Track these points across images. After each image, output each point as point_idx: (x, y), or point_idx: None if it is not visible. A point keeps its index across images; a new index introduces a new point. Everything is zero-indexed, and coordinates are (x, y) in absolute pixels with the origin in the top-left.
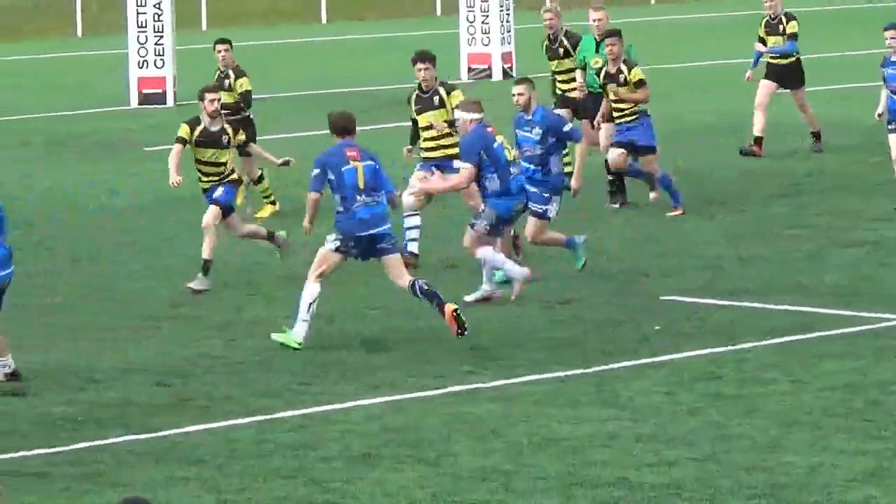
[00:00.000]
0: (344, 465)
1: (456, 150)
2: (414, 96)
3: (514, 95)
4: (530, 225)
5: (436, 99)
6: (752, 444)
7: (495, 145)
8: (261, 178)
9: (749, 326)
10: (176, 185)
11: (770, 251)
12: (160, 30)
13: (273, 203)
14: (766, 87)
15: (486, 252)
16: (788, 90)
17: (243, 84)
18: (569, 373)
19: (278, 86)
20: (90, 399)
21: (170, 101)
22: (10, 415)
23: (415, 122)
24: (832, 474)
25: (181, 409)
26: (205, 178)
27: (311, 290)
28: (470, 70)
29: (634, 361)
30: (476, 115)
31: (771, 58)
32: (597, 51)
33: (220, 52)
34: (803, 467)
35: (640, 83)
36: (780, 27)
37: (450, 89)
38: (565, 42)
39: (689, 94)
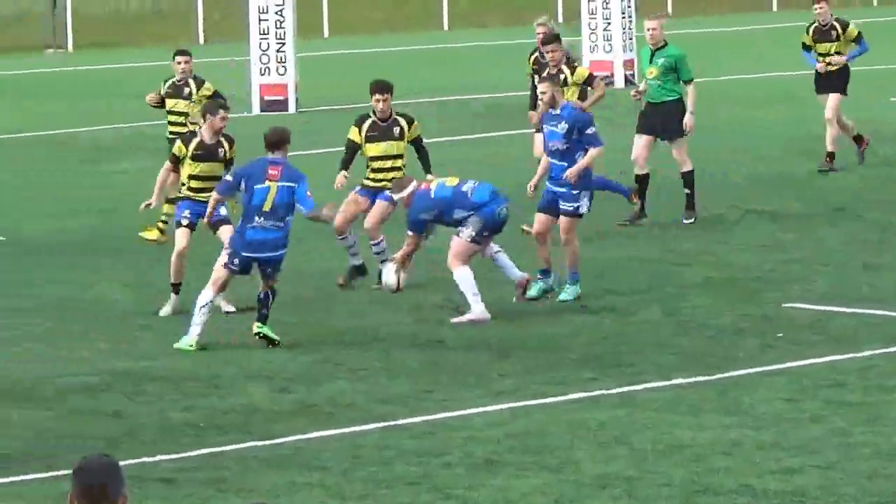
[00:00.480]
0: (466, 471)
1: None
2: (368, 124)
3: (540, 94)
4: (564, 224)
5: (395, 130)
6: (875, 452)
7: (437, 195)
8: (171, 200)
9: (873, 334)
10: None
11: (894, 258)
12: (282, 37)
13: (163, 232)
14: (826, 99)
15: (461, 275)
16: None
17: (208, 88)
18: (691, 380)
19: (399, 93)
20: (213, 405)
21: (291, 108)
22: (133, 421)
23: (354, 147)
24: None
25: (305, 415)
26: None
27: (205, 295)
28: (591, 77)
29: (757, 369)
30: (408, 190)
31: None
32: (651, 61)
33: (179, 62)
34: None
35: (590, 78)
36: (834, 33)
37: (410, 121)
38: (565, 69)
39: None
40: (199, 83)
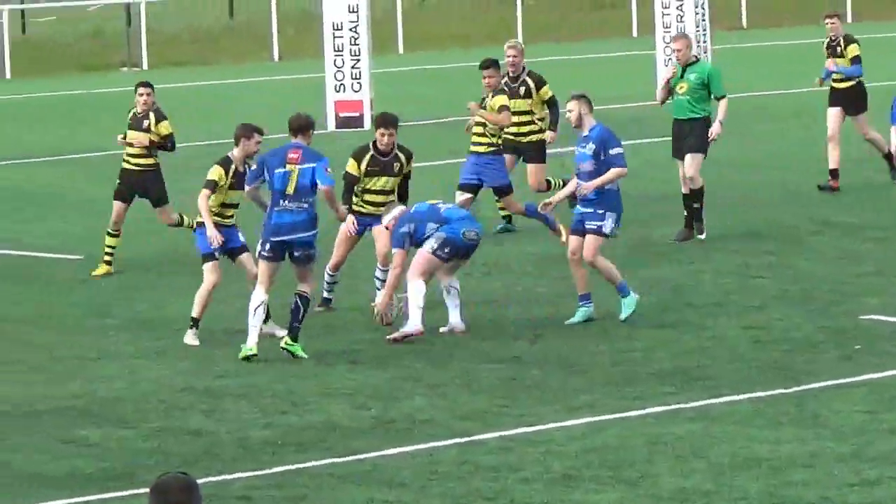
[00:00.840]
0: (545, 486)
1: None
2: (368, 157)
3: (566, 112)
4: (587, 242)
5: (395, 166)
6: None
7: (415, 210)
8: (117, 234)
9: None
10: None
11: None
12: (356, 53)
13: (109, 263)
14: (833, 116)
15: (414, 287)
16: (849, 116)
17: (167, 126)
18: (769, 393)
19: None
20: (291, 422)
21: (366, 125)
22: (212, 438)
23: (353, 181)
24: None
25: (383, 431)
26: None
27: (257, 296)
28: None
29: (835, 381)
30: (395, 213)
31: (834, 81)
32: (682, 76)
33: (141, 94)
34: None
35: (553, 100)
36: (839, 49)
37: (409, 157)
38: (529, 81)
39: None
40: (159, 118)
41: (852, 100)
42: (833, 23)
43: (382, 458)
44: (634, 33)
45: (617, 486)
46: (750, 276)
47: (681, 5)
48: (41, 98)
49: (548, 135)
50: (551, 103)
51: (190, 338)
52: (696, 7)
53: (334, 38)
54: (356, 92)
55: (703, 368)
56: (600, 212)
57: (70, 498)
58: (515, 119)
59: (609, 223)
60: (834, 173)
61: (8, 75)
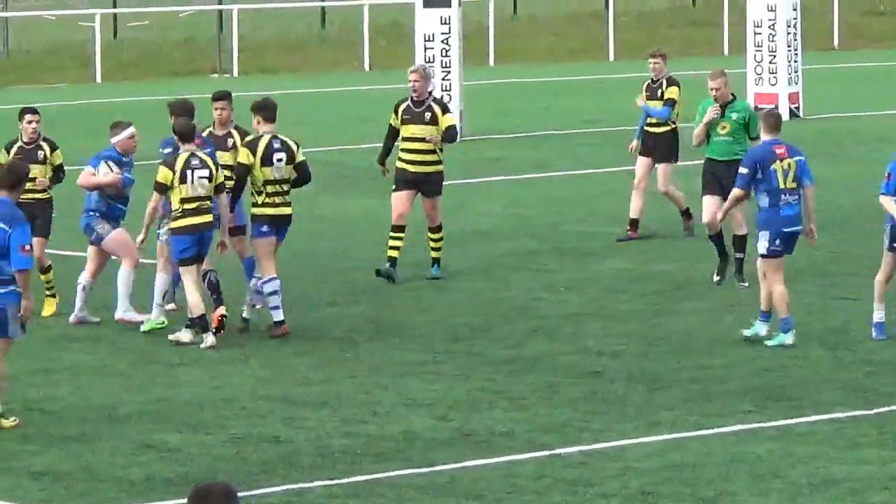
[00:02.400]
0: (622, 502)
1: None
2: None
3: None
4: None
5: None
6: None
7: None
8: (49, 269)
9: None
10: None
11: None
12: (447, 65)
13: (53, 296)
14: (642, 163)
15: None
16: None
17: (59, 156)
18: (850, 414)
19: (563, 121)
20: (371, 432)
21: (459, 135)
22: (291, 446)
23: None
24: None
25: (462, 443)
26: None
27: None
28: (757, 109)
29: None
30: None
31: (648, 125)
32: (724, 116)
33: (30, 122)
34: None
35: (451, 128)
36: (660, 91)
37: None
38: (434, 107)
39: None
40: (52, 147)
41: (666, 144)
42: (656, 62)
43: (461, 469)
44: (725, 51)
45: (690, 502)
46: (834, 296)
47: (773, 24)
48: (131, 103)
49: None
50: (448, 131)
51: (187, 336)
52: (788, 27)
53: (426, 49)
54: (448, 101)
55: (785, 388)
56: (758, 232)
57: (149, 502)
58: (417, 146)
59: (762, 243)
60: (634, 223)
61: (99, 80)
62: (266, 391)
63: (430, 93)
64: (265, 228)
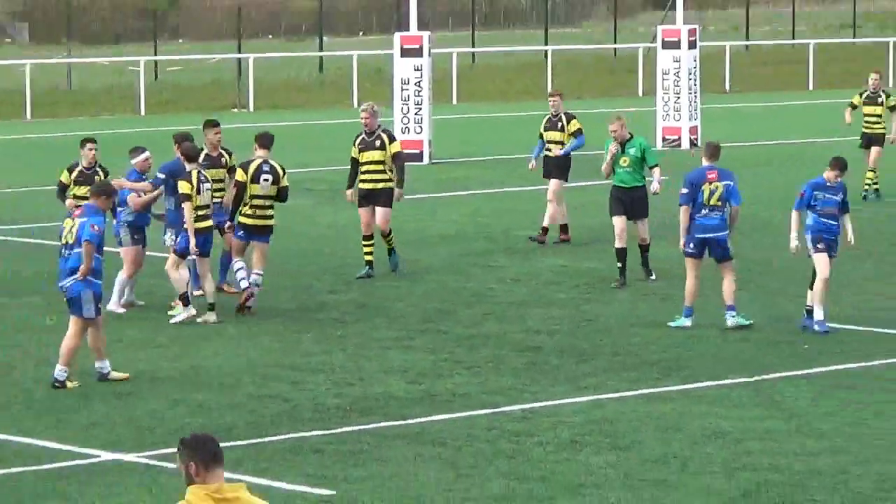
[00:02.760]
0: (555, 448)
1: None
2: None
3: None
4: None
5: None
6: (880, 440)
7: None
8: None
9: (882, 349)
10: None
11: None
12: (419, 103)
13: None
14: (553, 184)
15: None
16: (552, 179)
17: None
18: (735, 381)
19: (511, 149)
20: (357, 393)
21: (426, 160)
22: (294, 403)
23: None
24: None
25: (429, 402)
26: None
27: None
28: (664, 140)
29: (788, 373)
30: None
31: (548, 151)
32: (623, 152)
33: (90, 150)
34: None
35: (398, 155)
36: (560, 124)
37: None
38: (383, 136)
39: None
40: (105, 172)
41: (561, 166)
42: (555, 100)
43: (429, 422)
44: (640, 94)
45: (612, 451)
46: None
47: (677, 72)
48: (168, 132)
49: (396, 192)
50: (396, 157)
51: (213, 317)
52: (690, 74)
53: (402, 90)
54: (418, 134)
55: (684, 360)
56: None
57: (269, 434)
58: (371, 167)
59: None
60: (544, 232)
61: (143, 113)
62: (275, 360)
63: (380, 125)
64: (241, 233)
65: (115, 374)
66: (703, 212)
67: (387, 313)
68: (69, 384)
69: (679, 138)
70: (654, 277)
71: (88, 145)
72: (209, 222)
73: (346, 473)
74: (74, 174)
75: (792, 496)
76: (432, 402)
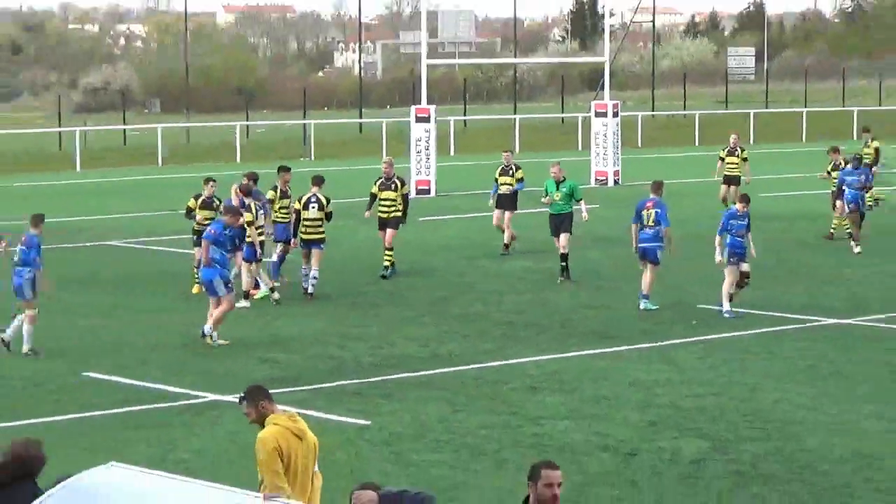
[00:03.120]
0: (523, 392)
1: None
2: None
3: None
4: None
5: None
6: (745, 386)
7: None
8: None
9: (745, 324)
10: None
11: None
12: (428, 153)
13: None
14: (498, 213)
15: None
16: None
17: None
18: (647, 345)
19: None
20: (386, 353)
21: (432, 193)
22: (340, 360)
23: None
24: (783, 401)
25: (434, 360)
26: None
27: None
28: (596, 180)
29: (682, 339)
30: None
31: (501, 192)
32: (557, 189)
33: (212, 186)
34: (769, 400)
35: (406, 197)
36: (511, 171)
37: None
38: (397, 181)
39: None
40: (219, 202)
41: (511, 202)
42: (508, 155)
43: (434, 374)
44: (580, 147)
45: (560, 394)
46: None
47: (605, 132)
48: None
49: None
50: (405, 197)
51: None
52: (614, 134)
53: (416, 145)
54: (427, 175)
55: (612, 330)
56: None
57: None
58: (387, 204)
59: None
60: (507, 247)
61: (238, 161)
62: (328, 330)
63: (394, 174)
64: (302, 245)
65: (220, 342)
66: (644, 229)
67: (405, 299)
68: (220, 342)
69: (607, 178)
70: (567, 278)
71: (210, 183)
72: (263, 237)
73: (378, 409)
74: (199, 201)
75: (685, 424)
76: (437, 360)
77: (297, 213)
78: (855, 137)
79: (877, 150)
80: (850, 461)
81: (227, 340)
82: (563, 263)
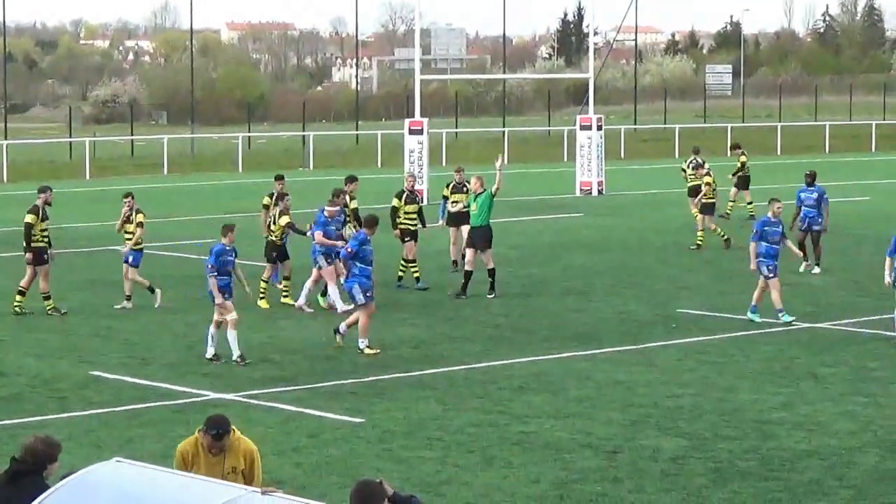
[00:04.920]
0: (510, 392)
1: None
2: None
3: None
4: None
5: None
6: (721, 386)
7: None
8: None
9: (722, 328)
10: None
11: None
12: (421, 164)
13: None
14: (455, 231)
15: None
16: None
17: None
18: (627, 348)
19: None
20: (380, 354)
21: (425, 202)
22: (339, 361)
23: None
24: (758, 401)
25: (426, 361)
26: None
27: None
28: (581, 189)
29: (662, 342)
30: None
31: (462, 212)
32: (475, 200)
33: (281, 185)
34: (745, 400)
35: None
36: (465, 188)
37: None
38: (415, 195)
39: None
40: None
41: (460, 219)
42: (460, 173)
43: (426, 374)
44: (565, 159)
45: (546, 393)
46: (621, 287)
47: (590, 145)
48: (257, 184)
49: (424, 229)
50: (420, 210)
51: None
52: (598, 146)
53: (409, 156)
54: (420, 185)
55: (591, 333)
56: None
57: (267, 389)
58: (409, 217)
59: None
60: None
61: (240, 170)
62: (327, 333)
63: (414, 188)
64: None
65: (368, 351)
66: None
67: (400, 304)
68: (368, 350)
69: (591, 188)
70: (494, 295)
71: (279, 182)
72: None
73: (371, 407)
74: (273, 199)
75: (665, 423)
76: (428, 361)
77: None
78: (827, 151)
79: (743, 164)
80: (824, 459)
81: (377, 350)
82: (491, 279)
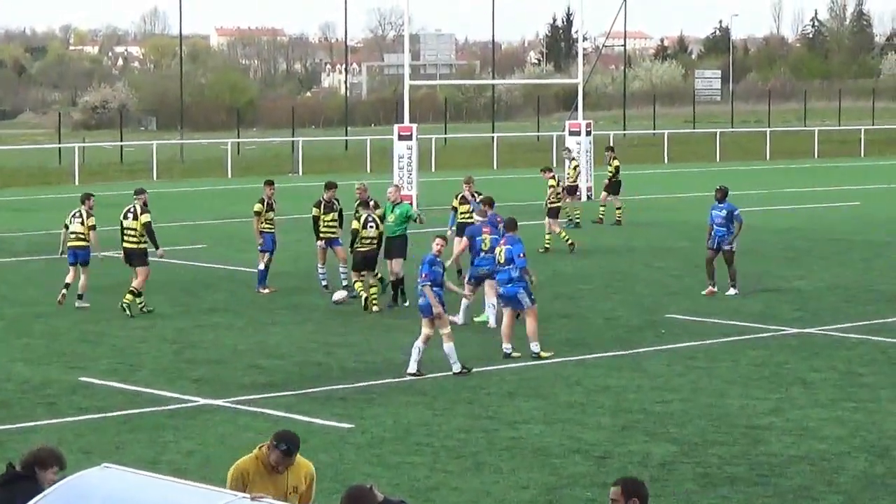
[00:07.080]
0: (500, 397)
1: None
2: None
3: None
4: None
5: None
6: (712, 393)
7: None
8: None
9: (712, 333)
10: None
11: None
12: (410, 169)
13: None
14: (458, 242)
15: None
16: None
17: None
18: (616, 353)
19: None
20: (370, 360)
21: (414, 207)
22: (327, 367)
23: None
24: (747, 406)
25: (424, 365)
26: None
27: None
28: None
29: (652, 348)
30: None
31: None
32: (392, 211)
33: (271, 189)
34: (734, 405)
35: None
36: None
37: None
38: (370, 204)
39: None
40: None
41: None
42: (468, 184)
43: (415, 380)
44: (554, 164)
45: (535, 399)
46: (609, 292)
47: (578, 151)
48: (246, 189)
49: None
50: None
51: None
52: (587, 153)
53: (398, 162)
54: (409, 191)
55: (582, 339)
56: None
57: (254, 395)
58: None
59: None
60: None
61: (229, 176)
62: (315, 338)
63: (369, 196)
64: (358, 258)
65: (543, 354)
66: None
67: (388, 309)
68: (543, 354)
69: (578, 191)
70: (406, 304)
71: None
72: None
73: (361, 413)
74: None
75: (655, 429)
76: (425, 366)
77: (355, 232)
78: (816, 156)
79: (617, 168)
80: (813, 464)
81: (552, 351)
82: (400, 287)
